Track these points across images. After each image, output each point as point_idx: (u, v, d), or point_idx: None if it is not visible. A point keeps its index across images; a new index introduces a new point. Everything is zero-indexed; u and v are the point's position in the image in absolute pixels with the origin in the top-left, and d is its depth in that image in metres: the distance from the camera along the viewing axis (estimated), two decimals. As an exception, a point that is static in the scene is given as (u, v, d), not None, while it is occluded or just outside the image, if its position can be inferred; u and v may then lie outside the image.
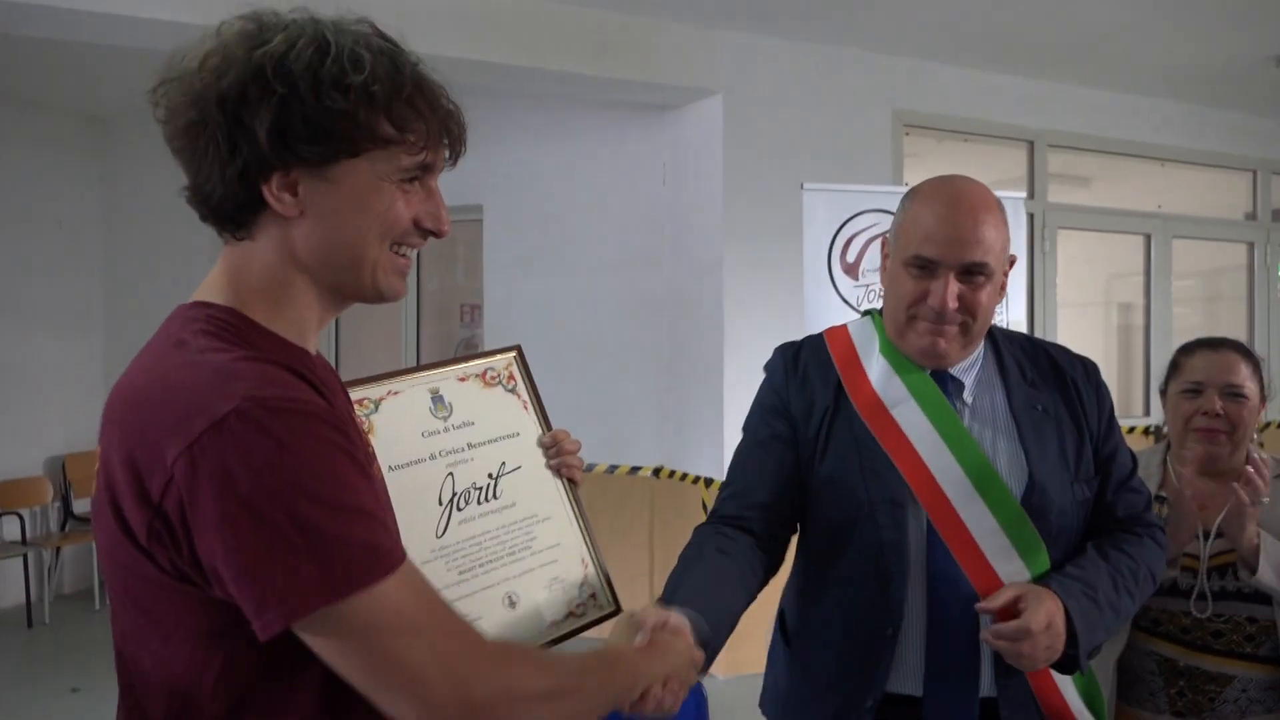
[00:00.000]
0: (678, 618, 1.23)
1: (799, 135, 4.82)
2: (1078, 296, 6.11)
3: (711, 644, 1.27)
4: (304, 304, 0.98)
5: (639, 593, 4.78)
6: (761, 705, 1.63)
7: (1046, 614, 1.29)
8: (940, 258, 1.39)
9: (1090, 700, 1.47)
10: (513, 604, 1.35)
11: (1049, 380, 1.49)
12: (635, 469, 5.02)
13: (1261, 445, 1.90)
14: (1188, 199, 6.25)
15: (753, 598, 1.42)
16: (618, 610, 1.39)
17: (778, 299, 4.65)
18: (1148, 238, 6.02)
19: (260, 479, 0.81)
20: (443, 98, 0.97)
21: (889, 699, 1.41)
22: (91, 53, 4.72)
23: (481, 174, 5.47)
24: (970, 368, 1.47)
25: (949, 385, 1.46)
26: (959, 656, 1.39)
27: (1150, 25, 4.68)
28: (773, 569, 1.49)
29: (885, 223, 3.49)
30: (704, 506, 4.69)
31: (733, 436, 4.70)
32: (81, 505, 6.09)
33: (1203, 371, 1.87)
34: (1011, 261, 1.46)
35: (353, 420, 1.02)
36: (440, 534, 1.31)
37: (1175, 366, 1.93)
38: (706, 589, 1.33)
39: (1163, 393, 1.95)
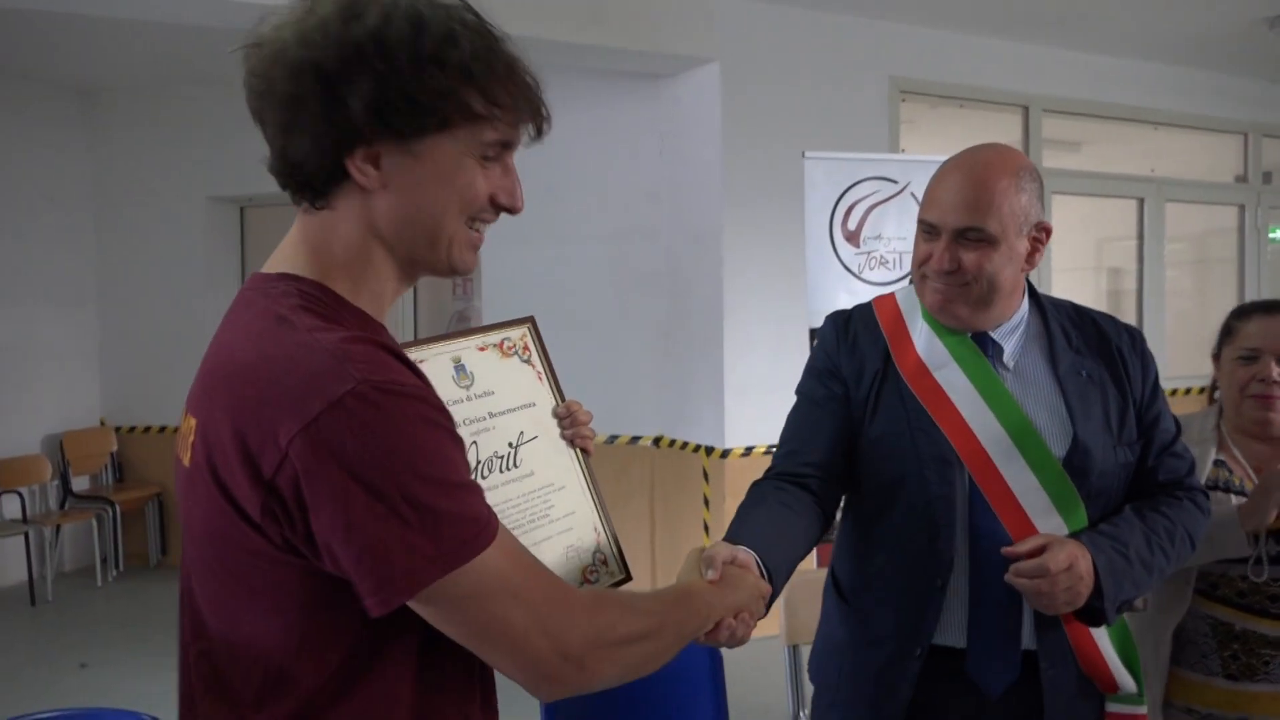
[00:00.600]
0: (745, 553, 1.29)
1: (797, 102, 4.82)
2: (1069, 261, 6.15)
3: (774, 583, 1.31)
4: (383, 277, 0.99)
5: (640, 560, 4.83)
6: (810, 667, 1.67)
7: (1068, 556, 1.34)
8: (938, 221, 1.45)
9: (1126, 658, 1.50)
10: None
11: (1094, 347, 1.53)
12: (635, 438, 5.05)
13: None
14: (1179, 162, 6.29)
15: (810, 547, 1.46)
16: (628, 577, 1.42)
17: (778, 267, 4.67)
18: (1141, 201, 6.05)
19: (377, 458, 0.83)
20: (529, 75, 0.99)
21: (935, 650, 1.46)
22: (81, 24, 4.67)
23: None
24: (1012, 332, 1.51)
25: (990, 349, 1.50)
26: (1001, 610, 1.44)
27: (1145, -12, 4.69)
28: (827, 524, 1.52)
29: (885, 190, 3.53)
30: (704, 475, 4.74)
31: (733, 405, 4.77)
32: (80, 483, 6.09)
33: (1258, 337, 1.86)
34: (1045, 230, 1.47)
35: None
36: None
37: (1229, 331, 1.92)
38: (767, 532, 1.38)
39: (1215, 357, 1.95)
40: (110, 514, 5.91)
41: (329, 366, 0.85)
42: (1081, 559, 1.36)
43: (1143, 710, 1.51)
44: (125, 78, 5.97)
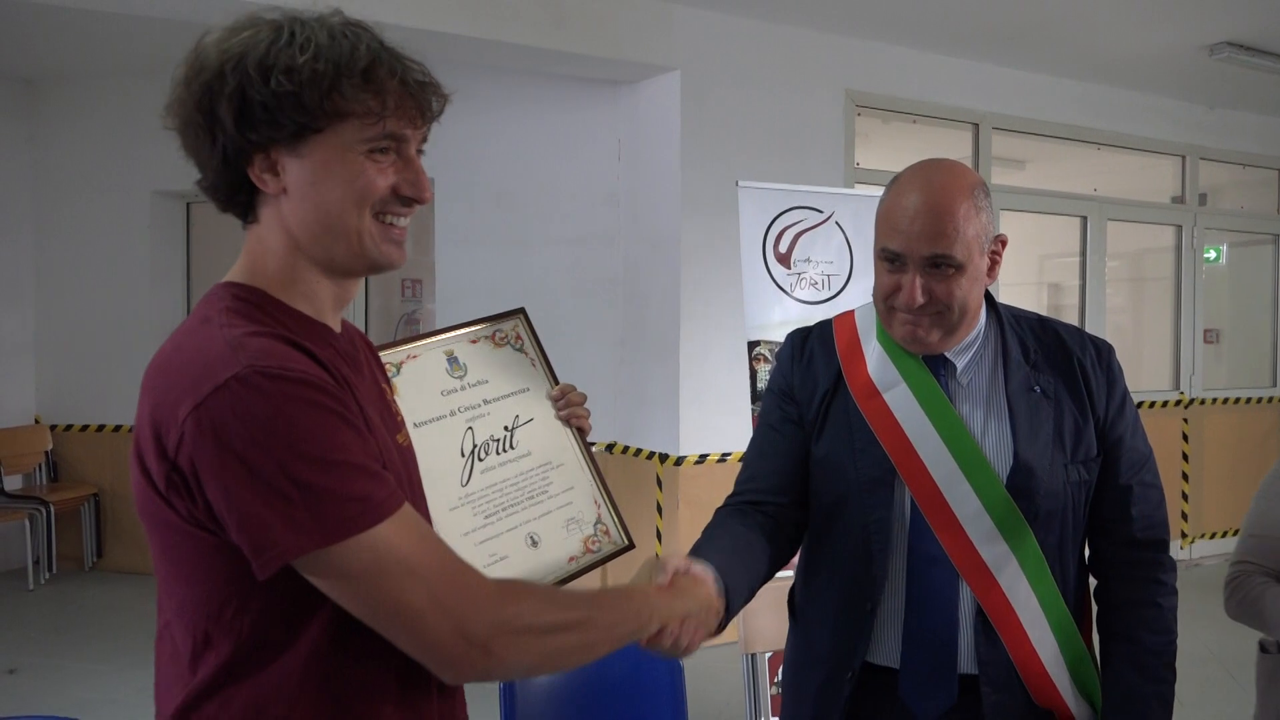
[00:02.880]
0: (701, 566, 1.29)
1: (756, 113, 4.86)
2: (1013, 276, 6.29)
3: (731, 602, 1.31)
4: (312, 279, 1.06)
5: (592, 566, 4.81)
6: (781, 681, 1.68)
7: None
8: (905, 251, 1.40)
9: (1082, 684, 1.48)
10: (535, 543, 1.46)
11: (1054, 361, 1.49)
12: (590, 445, 5.03)
13: None
14: (1119, 182, 6.47)
15: (773, 571, 1.46)
16: (631, 545, 1.50)
17: (734, 276, 4.70)
18: (1084, 219, 6.21)
19: (255, 436, 0.91)
20: (406, 70, 1.03)
21: (869, 669, 1.46)
22: (24, 11, 4.53)
23: (431, 146, 5.37)
24: (966, 349, 1.49)
25: (941, 368, 1.48)
26: (936, 631, 1.43)
27: (1091, 12, 4.81)
28: (790, 549, 1.53)
29: (811, 219, 3.70)
30: (658, 482, 4.74)
31: (688, 412, 4.79)
32: (13, 482, 5.90)
33: None
34: (1002, 242, 1.47)
35: (368, 385, 1.11)
36: (465, 482, 1.43)
37: None
38: (726, 554, 1.38)
39: None
40: (44, 514, 5.72)
41: (223, 354, 0.94)
42: None
43: None
44: (69, 67, 5.81)
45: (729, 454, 4.69)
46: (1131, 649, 1.45)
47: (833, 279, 3.68)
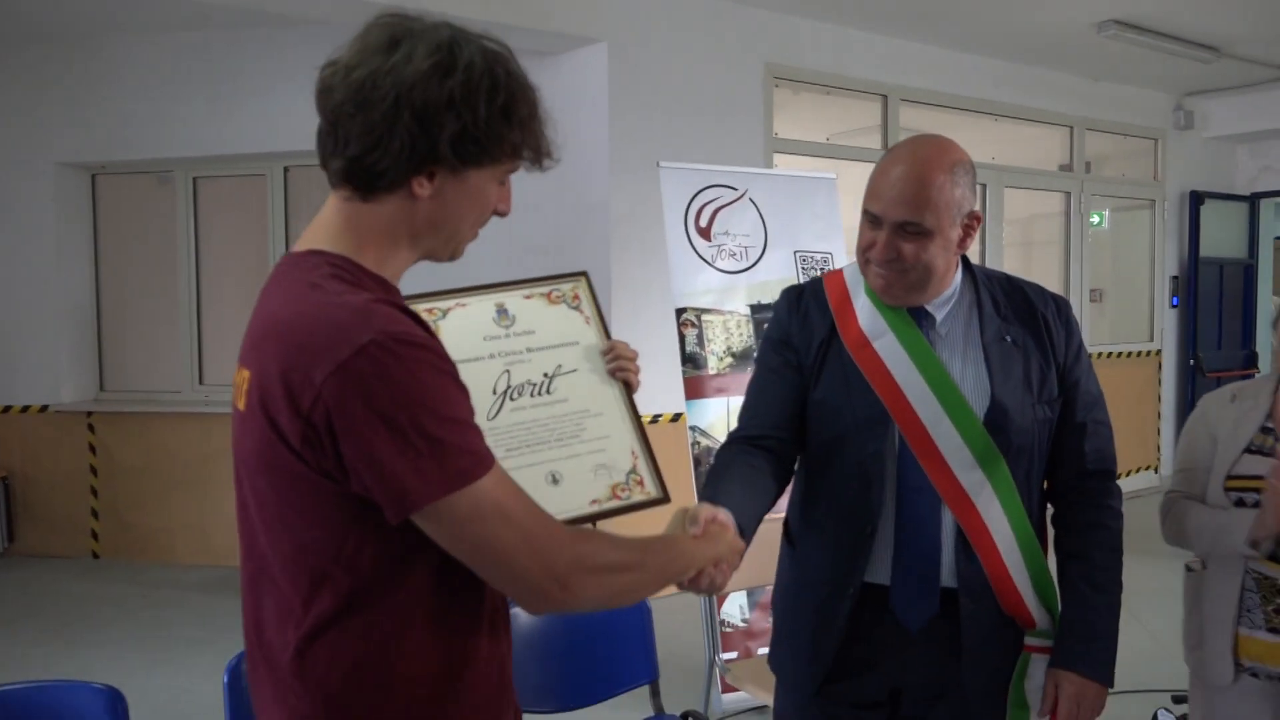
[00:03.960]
0: (725, 514, 1.46)
1: (679, 83, 4.99)
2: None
3: (746, 538, 1.48)
4: (404, 257, 1.20)
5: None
6: (773, 603, 1.84)
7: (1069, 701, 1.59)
8: (880, 213, 1.57)
9: (1043, 596, 1.66)
10: (555, 481, 1.52)
11: (1021, 314, 1.66)
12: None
13: None
14: (1014, 151, 6.84)
15: (774, 501, 1.63)
16: (666, 499, 1.55)
17: (658, 243, 4.84)
18: (984, 187, 6.55)
19: (394, 396, 1.01)
20: (550, 123, 1.21)
21: (865, 587, 1.64)
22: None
23: (354, 116, 5.34)
24: (945, 303, 1.67)
25: (923, 320, 1.66)
26: (922, 551, 1.62)
27: (994, -10, 5.10)
28: (787, 480, 1.70)
29: (727, 196, 3.94)
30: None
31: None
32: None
33: None
34: (976, 218, 1.63)
35: None
36: (492, 417, 1.51)
37: None
38: (738, 494, 1.54)
39: (1276, 326, 2.09)
40: (-49, 501, 5.52)
41: (355, 321, 1.03)
42: (1082, 689, 1.59)
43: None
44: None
45: (660, 415, 4.85)
46: (1084, 565, 1.66)
47: (750, 250, 3.94)
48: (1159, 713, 2.19)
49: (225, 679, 1.85)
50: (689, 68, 5.03)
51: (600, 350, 1.61)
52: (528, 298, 1.61)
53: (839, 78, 5.70)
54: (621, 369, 1.59)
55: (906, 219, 1.54)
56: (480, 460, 1.06)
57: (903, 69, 5.94)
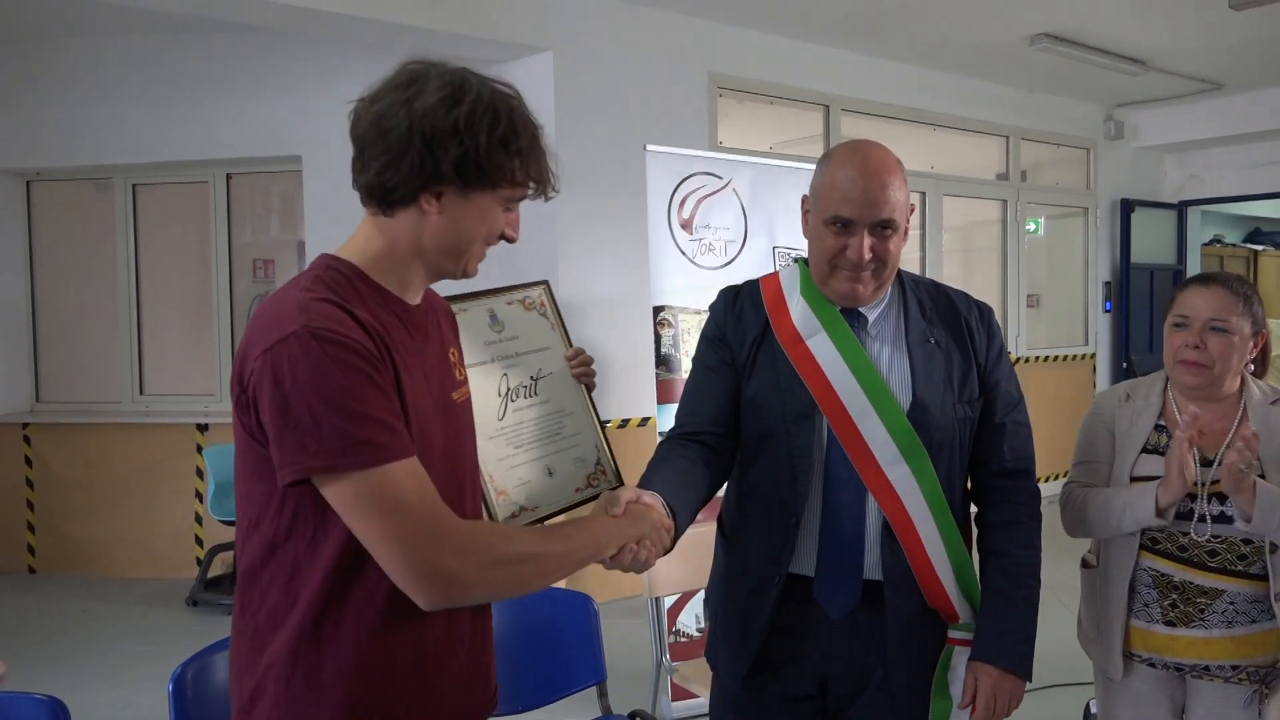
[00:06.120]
0: (651, 495, 1.51)
1: (624, 93, 5.05)
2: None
3: (678, 520, 1.53)
4: (412, 271, 1.34)
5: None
6: (706, 597, 1.89)
7: (987, 694, 1.67)
8: (856, 217, 1.64)
9: (966, 591, 1.72)
10: (550, 474, 1.74)
11: (945, 318, 1.74)
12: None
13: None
14: (952, 161, 7.01)
15: (711, 493, 1.68)
16: (621, 484, 1.75)
17: (613, 250, 4.89)
18: (923, 195, 6.70)
19: (295, 380, 1.16)
20: (551, 157, 1.35)
21: (790, 578, 1.71)
22: None
23: (299, 124, 5.32)
24: (876, 306, 1.74)
25: (855, 321, 1.73)
26: (845, 542, 1.69)
27: (930, 4, 5.23)
28: (724, 474, 1.75)
29: (711, 184, 3.85)
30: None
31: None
32: None
33: (1190, 306, 1.99)
34: (912, 209, 1.73)
35: (433, 349, 1.37)
36: (500, 418, 1.70)
37: (1171, 301, 2.07)
38: (671, 479, 1.60)
39: (1165, 321, 2.12)
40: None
41: (291, 314, 1.19)
42: (996, 681, 1.66)
43: None
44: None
45: (627, 419, 4.90)
46: (1003, 561, 1.74)
47: (730, 245, 3.84)
48: (1090, 703, 2.28)
49: (170, 689, 1.84)
50: (634, 77, 5.08)
51: (565, 355, 1.78)
52: (509, 304, 1.76)
53: (782, 88, 5.80)
54: (584, 374, 1.77)
55: (882, 218, 1.63)
56: (372, 450, 1.16)
57: (844, 80, 6.06)
